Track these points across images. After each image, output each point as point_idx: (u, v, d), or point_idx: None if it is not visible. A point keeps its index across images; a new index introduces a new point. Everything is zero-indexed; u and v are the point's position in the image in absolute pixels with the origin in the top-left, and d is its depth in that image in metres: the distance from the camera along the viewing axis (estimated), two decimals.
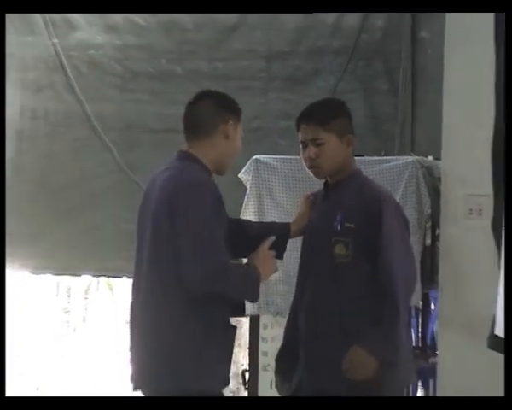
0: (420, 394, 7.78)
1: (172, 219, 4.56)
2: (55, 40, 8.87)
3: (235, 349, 5.20)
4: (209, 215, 4.57)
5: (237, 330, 4.93)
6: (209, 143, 4.81)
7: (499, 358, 4.02)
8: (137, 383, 4.79)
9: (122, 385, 11.26)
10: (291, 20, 8.47)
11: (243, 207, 6.87)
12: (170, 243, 4.56)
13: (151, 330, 4.67)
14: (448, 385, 6.84)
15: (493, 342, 3.94)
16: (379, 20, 8.29)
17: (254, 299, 4.89)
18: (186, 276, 4.50)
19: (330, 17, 8.40)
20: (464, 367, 6.50)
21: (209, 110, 4.86)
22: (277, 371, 5.16)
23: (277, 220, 6.45)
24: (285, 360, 5.12)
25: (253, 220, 6.44)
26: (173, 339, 4.60)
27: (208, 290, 4.54)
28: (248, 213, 6.81)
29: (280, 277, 6.69)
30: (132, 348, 4.84)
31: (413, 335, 7.49)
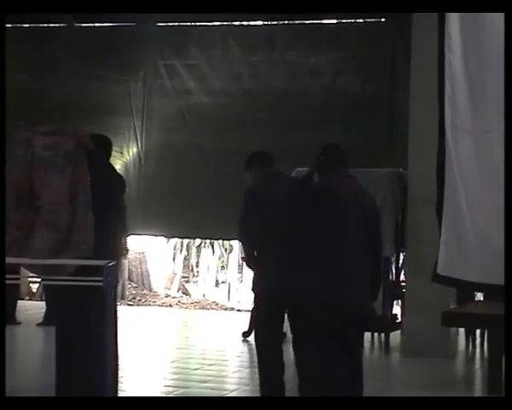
0: (395, 308, 7.73)
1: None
2: (180, 101, 9.03)
3: None
4: None
5: None
6: None
7: (440, 286, 4.03)
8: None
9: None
10: (317, 88, 8.55)
11: None
12: None
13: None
14: (412, 303, 6.91)
15: (435, 277, 3.96)
16: (368, 86, 8.39)
17: None
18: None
19: (341, 85, 8.47)
20: (422, 291, 6.53)
21: None
22: None
23: None
24: None
25: None
26: None
27: None
28: None
29: None
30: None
31: (390, 274, 7.49)
